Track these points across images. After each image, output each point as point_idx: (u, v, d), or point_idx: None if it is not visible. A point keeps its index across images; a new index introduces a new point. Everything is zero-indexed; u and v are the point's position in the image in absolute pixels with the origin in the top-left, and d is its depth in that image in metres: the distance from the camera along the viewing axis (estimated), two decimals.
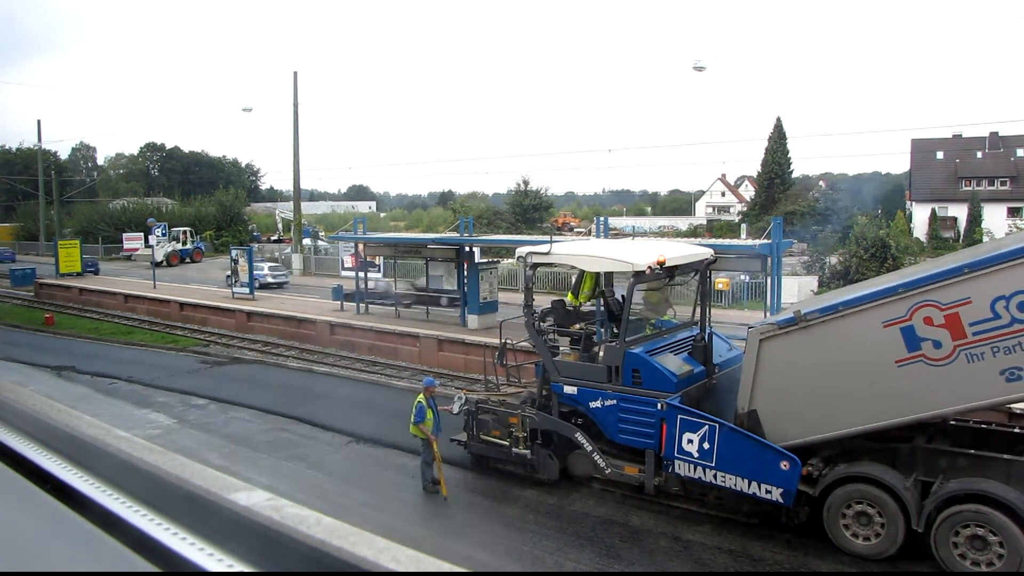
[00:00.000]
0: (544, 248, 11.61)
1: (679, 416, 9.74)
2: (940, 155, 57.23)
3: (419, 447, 11.44)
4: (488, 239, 29.98)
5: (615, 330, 11.83)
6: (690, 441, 9.62)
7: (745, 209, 72.68)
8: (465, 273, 21.88)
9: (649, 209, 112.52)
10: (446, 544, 9.68)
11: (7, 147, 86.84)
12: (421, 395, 11.30)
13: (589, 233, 45.38)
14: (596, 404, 10.64)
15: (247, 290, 27.93)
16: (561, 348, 11.66)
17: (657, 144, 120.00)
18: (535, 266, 11.82)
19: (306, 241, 44.71)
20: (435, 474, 11.07)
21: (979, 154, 56.34)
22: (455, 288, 22.55)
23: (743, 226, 60.65)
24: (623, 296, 12.14)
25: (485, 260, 26.28)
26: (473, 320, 21.14)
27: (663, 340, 11.36)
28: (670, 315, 12.67)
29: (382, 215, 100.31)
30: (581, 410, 10.93)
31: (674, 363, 10.70)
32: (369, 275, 26.36)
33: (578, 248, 13.19)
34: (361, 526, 1.16)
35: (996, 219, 51.03)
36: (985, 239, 48.10)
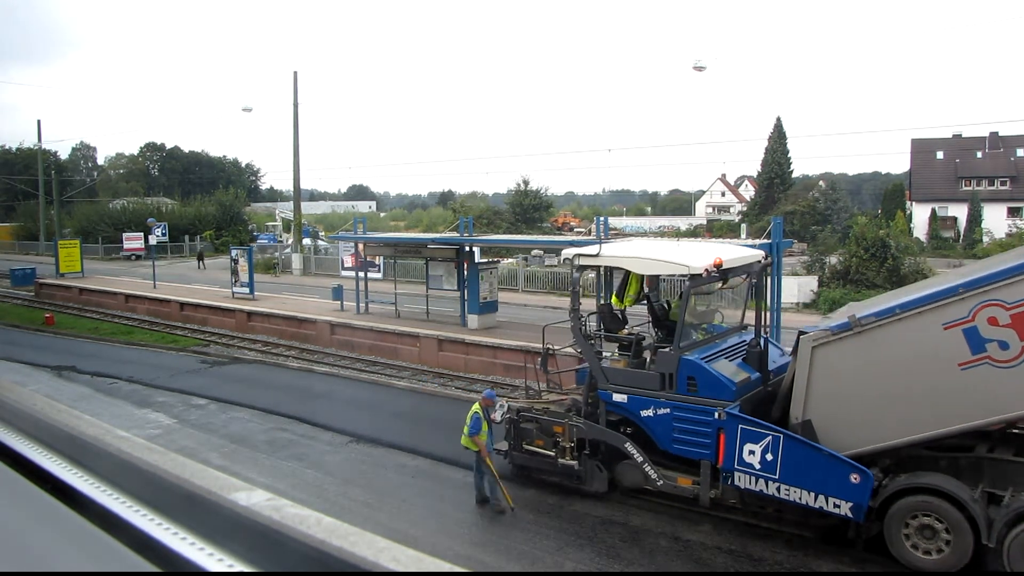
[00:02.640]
0: (593, 250, 11.21)
1: (740, 426, 9.26)
2: (940, 155, 57.29)
3: (463, 457, 11.01)
4: (488, 239, 30.01)
5: (662, 335, 11.39)
6: (752, 452, 9.14)
7: (745, 209, 72.73)
8: (465, 273, 21.89)
9: (649, 209, 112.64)
10: (446, 544, 9.67)
11: (7, 147, 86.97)
12: (477, 405, 10.79)
13: (589, 233, 45.33)
14: (648, 413, 10.18)
15: (247, 290, 27.97)
16: (606, 354, 11.10)
17: (657, 144, 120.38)
18: (582, 268, 11.37)
19: (306, 241, 44.72)
20: (490, 489, 10.52)
21: (979, 154, 56.39)
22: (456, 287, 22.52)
23: (743, 226, 60.73)
24: (667, 301, 11.75)
25: (485, 260, 26.30)
26: (473, 320, 21.14)
27: (716, 346, 10.82)
28: (718, 319, 12.16)
29: (382, 215, 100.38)
30: (630, 419, 10.50)
31: (730, 370, 10.16)
32: None
33: (628, 250, 12.40)
34: (361, 526, 1.16)
35: (996, 219, 51.09)
36: (985, 239, 48.12)
